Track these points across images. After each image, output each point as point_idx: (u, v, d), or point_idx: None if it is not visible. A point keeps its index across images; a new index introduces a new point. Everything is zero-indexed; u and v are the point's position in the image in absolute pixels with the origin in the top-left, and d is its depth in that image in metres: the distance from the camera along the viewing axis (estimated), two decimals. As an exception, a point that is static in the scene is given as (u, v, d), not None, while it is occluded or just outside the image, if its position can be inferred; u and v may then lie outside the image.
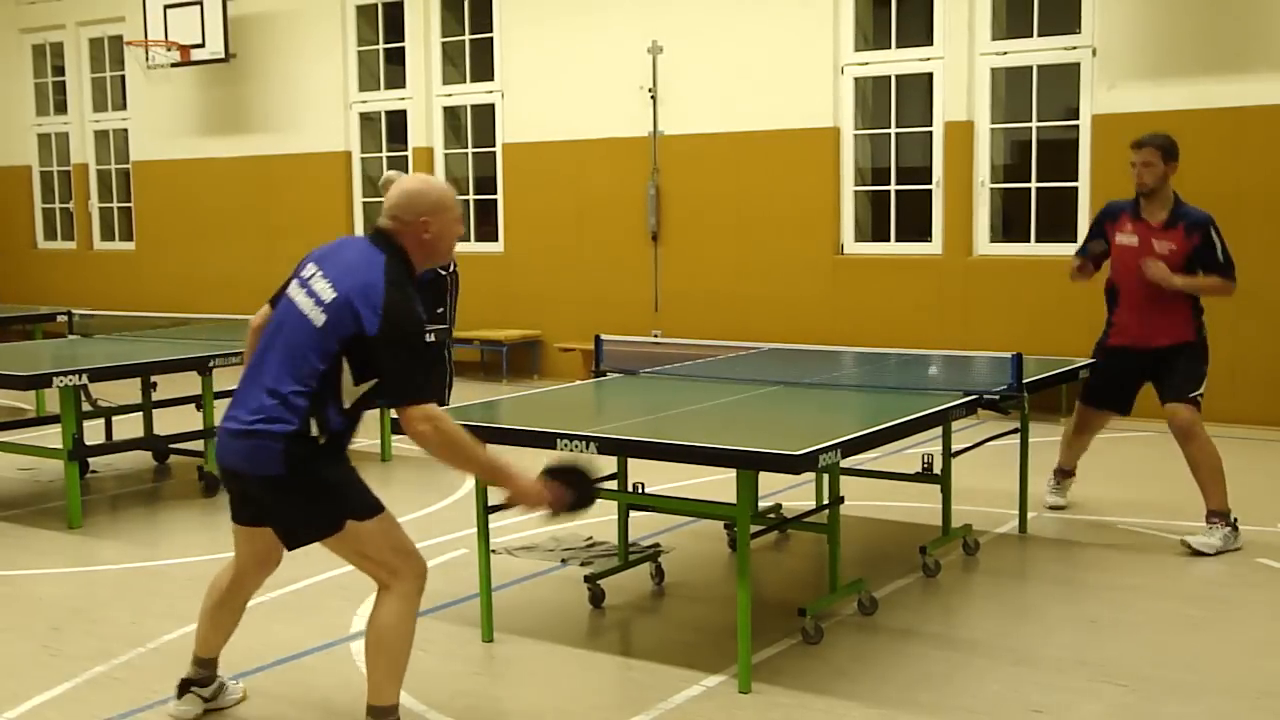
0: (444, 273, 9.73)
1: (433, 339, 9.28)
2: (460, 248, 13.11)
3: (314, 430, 3.65)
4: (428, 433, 3.63)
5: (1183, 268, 6.15)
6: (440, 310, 9.75)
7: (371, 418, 8.88)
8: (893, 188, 10.68)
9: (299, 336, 3.67)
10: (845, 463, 4.67)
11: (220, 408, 4.92)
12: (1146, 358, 6.30)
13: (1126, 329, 6.35)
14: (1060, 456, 6.96)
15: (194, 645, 4.19)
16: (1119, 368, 6.42)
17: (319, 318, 3.65)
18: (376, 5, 13.17)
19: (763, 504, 6.11)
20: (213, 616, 4.11)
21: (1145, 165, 6.20)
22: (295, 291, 3.78)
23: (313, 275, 3.76)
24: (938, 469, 5.99)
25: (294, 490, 3.68)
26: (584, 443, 4.44)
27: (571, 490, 3.89)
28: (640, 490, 5.53)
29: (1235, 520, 6.11)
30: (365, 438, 9.01)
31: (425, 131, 12.94)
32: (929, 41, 10.38)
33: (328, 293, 3.66)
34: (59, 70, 15.89)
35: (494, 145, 12.64)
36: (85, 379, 6.77)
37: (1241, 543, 6.10)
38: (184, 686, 4.16)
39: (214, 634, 4.14)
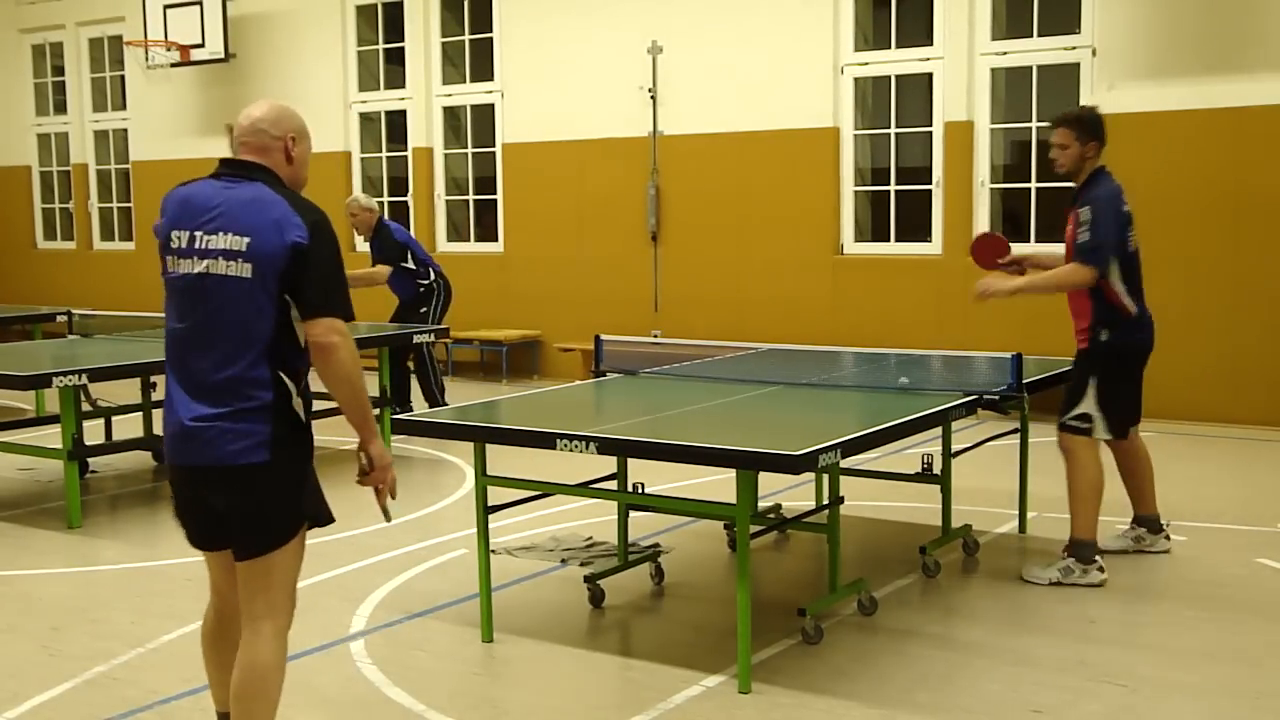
0: (428, 281, 9.72)
1: (430, 338, 9.31)
2: (460, 248, 13.20)
3: (286, 382, 3.37)
4: (338, 343, 3.36)
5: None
6: (424, 311, 9.75)
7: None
8: (892, 188, 10.68)
9: (231, 301, 3.33)
10: (845, 463, 4.67)
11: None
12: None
13: None
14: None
15: (213, 703, 3.77)
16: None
17: (243, 268, 3.32)
18: (376, 5, 13.17)
19: (763, 504, 6.11)
20: (213, 658, 3.70)
21: (1060, 148, 5.67)
22: (187, 264, 3.40)
23: (196, 239, 3.39)
24: (938, 469, 5.99)
25: (271, 482, 3.38)
26: (584, 442, 4.43)
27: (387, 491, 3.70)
28: (640, 490, 5.53)
29: (1098, 557, 5.65)
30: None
31: (425, 132, 12.94)
32: (929, 41, 10.38)
33: (239, 242, 3.33)
34: (59, 70, 15.90)
35: (494, 145, 12.65)
36: (85, 379, 6.77)
37: (1095, 580, 5.57)
38: None
39: (226, 677, 3.61)
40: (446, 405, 9.33)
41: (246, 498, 3.40)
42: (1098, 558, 5.63)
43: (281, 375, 3.38)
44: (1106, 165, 5.73)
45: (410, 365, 9.80)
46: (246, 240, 3.34)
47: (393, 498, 3.66)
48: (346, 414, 3.54)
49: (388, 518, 3.71)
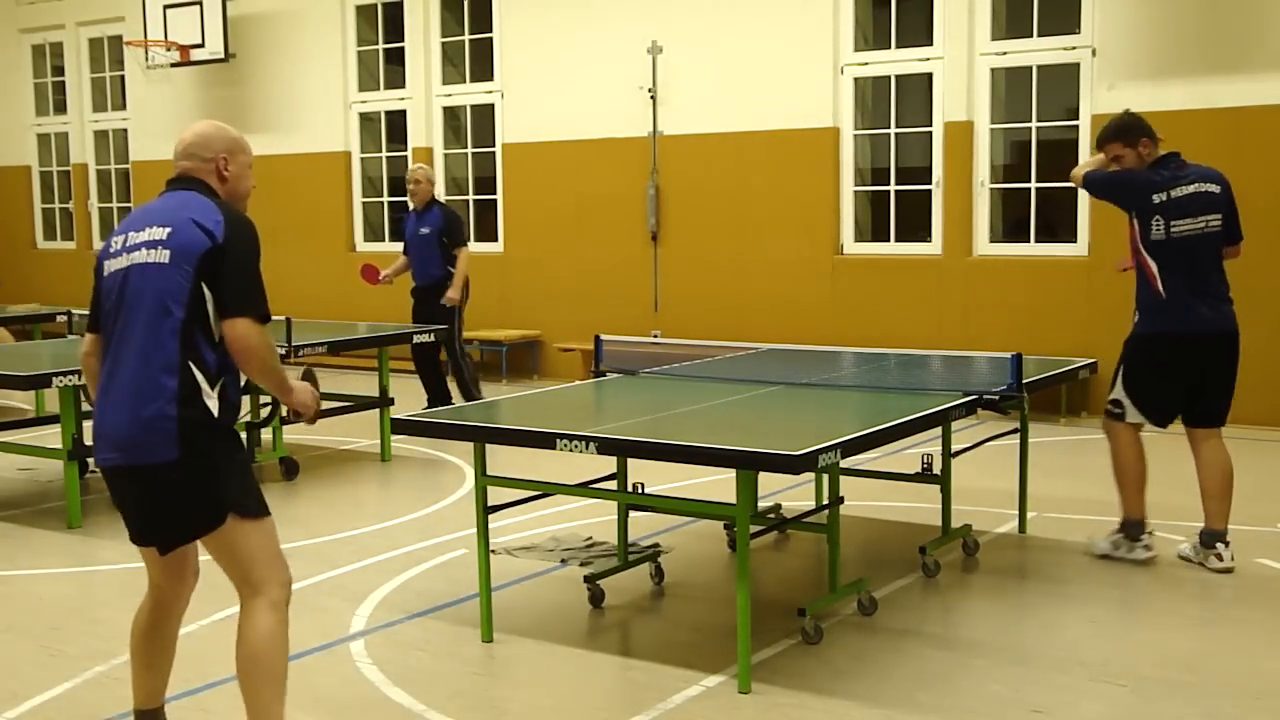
0: (453, 270, 9.72)
1: (430, 339, 9.31)
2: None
3: (197, 377, 3.42)
4: (254, 345, 3.44)
5: (1131, 239, 5.90)
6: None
7: (371, 419, 8.90)
8: (892, 188, 10.68)
9: (146, 286, 3.46)
10: (845, 463, 4.67)
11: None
12: None
13: None
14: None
15: (132, 698, 3.83)
16: None
17: (162, 255, 3.46)
18: (376, 5, 13.17)
19: (763, 504, 6.11)
20: (143, 654, 3.76)
21: (1117, 159, 5.94)
22: (116, 263, 3.56)
23: (126, 240, 3.56)
24: (937, 469, 5.99)
25: (180, 477, 3.43)
26: (584, 443, 4.43)
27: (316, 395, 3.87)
28: (640, 490, 5.53)
29: (1147, 535, 5.89)
30: (365, 438, 9.06)
31: (425, 131, 12.95)
32: (929, 41, 10.38)
33: (160, 232, 3.49)
34: (59, 70, 15.90)
35: (494, 145, 12.65)
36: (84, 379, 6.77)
37: (1140, 556, 5.86)
38: None
39: (150, 676, 3.78)
40: (483, 398, 9.29)
41: (156, 494, 3.50)
42: (1144, 536, 5.88)
43: (191, 366, 3.43)
44: (1180, 153, 5.95)
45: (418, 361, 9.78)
46: (167, 230, 3.51)
47: (312, 417, 3.83)
48: (267, 389, 3.68)
49: (311, 422, 3.88)
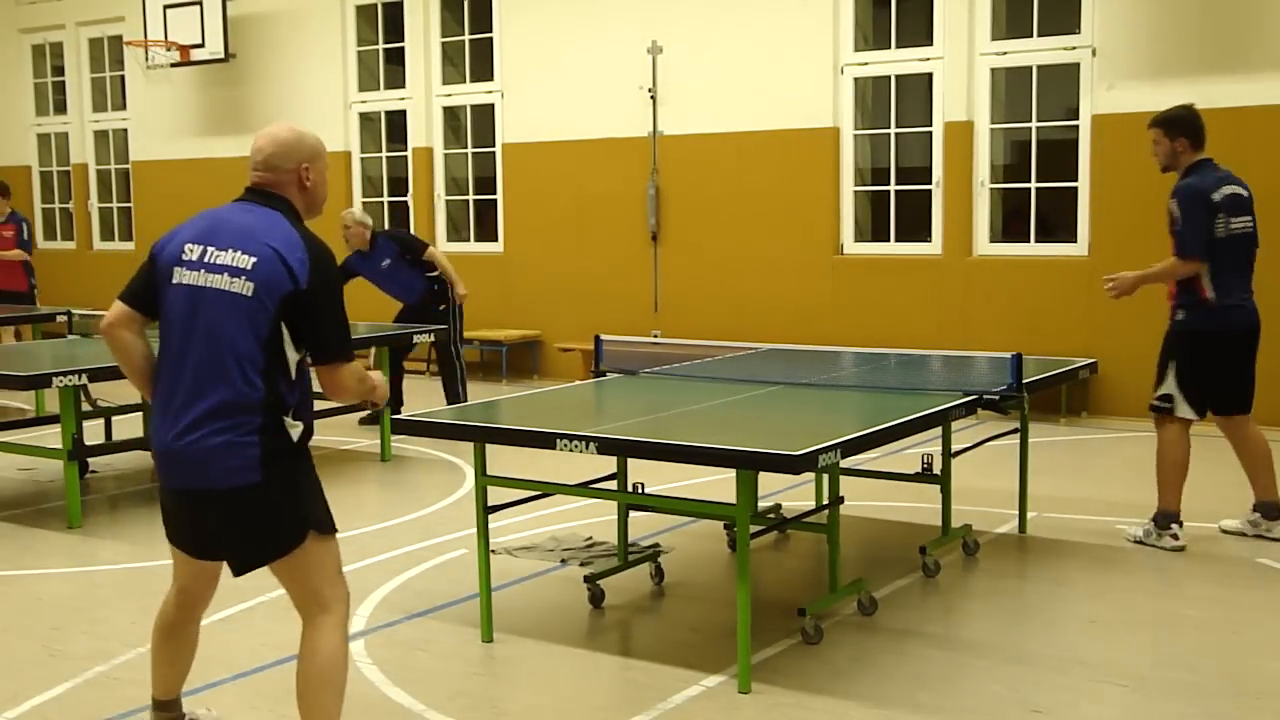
0: (436, 273, 9.69)
1: (433, 338, 9.31)
2: (460, 248, 13.19)
3: (278, 412, 3.40)
4: (350, 387, 3.54)
5: (1171, 237, 6.06)
6: (442, 307, 9.73)
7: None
8: (892, 188, 10.68)
9: (227, 314, 3.38)
10: (845, 463, 4.67)
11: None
12: None
13: None
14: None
15: (151, 688, 3.86)
16: None
17: (246, 286, 3.37)
18: (376, 5, 13.17)
19: (762, 504, 6.11)
20: (166, 650, 3.79)
21: (1155, 144, 6.15)
22: (190, 276, 3.45)
23: (206, 252, 3.45)
24: (937, 469, 5.99)
25: (265, 498, 3.40)
26: (584, 442, 4.43)
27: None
28: (640, 490, 5.53)
29: (1177, 526, 6.09)
30: (365, 438, 9.06)
31: (425, 132, 12.95)
32: (929, 41, 10.38)
33: (244, 260, 3.39)
34: (59, 70, 15.89)
35: (494, 145, 12.65)
36: (84, 379, 6.77)
37: (1167, 545, 6.06)
38: None
39: (171, 670, 3.82)
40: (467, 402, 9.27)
41: (240, 518, 3.45)
42: (1174, 526, 6.08)
43: (271, 400, 3.40)
44: (1212, 158, 6.13)
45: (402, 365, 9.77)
46: (253, 260, 3.40)
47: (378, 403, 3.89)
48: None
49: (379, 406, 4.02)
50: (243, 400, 3.36)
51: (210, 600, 3.87)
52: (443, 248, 12.86)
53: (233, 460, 3.36)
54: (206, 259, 3.45)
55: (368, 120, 13.45)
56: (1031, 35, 10.02)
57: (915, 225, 10.58)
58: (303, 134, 3.63)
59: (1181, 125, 6.09)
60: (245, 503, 3.40)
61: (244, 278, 3.39)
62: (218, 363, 3.38)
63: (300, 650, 3.54)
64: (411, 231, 9.91)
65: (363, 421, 9.40)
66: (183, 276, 3.48)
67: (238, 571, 3.58)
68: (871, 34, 10.77)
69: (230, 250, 3.43)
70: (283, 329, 3.40)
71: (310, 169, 3.60)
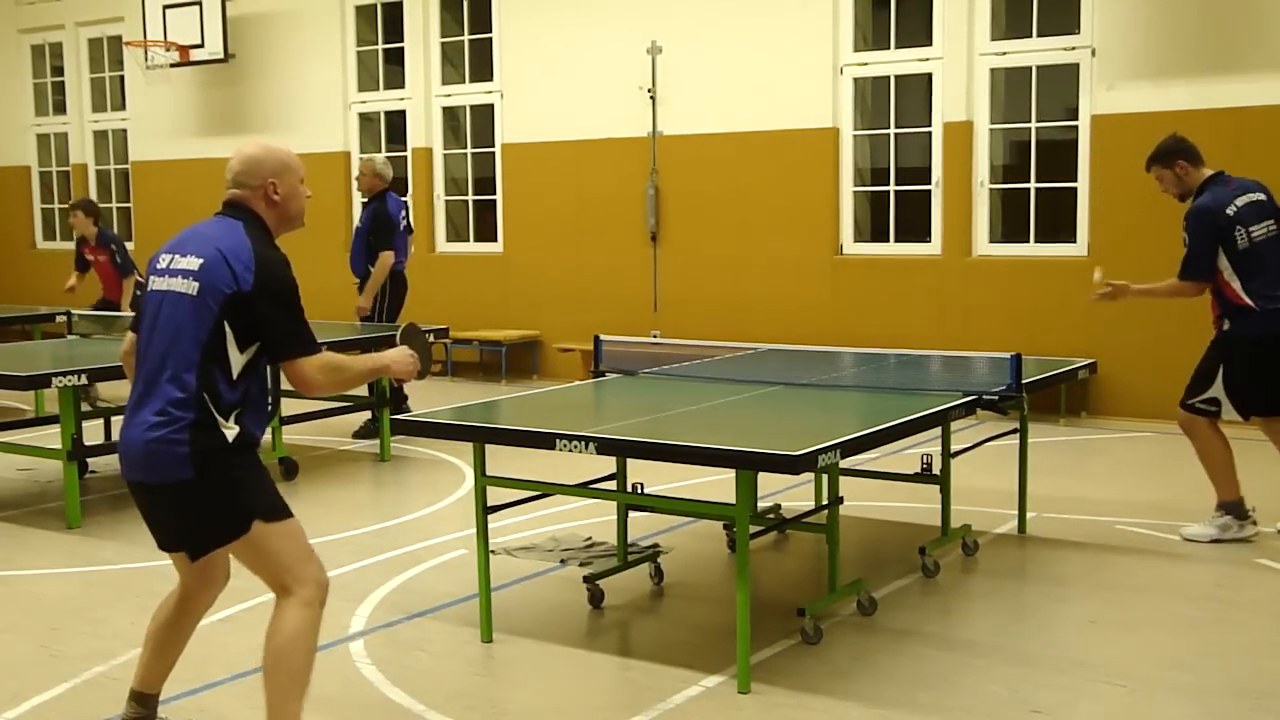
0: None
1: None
2: (460, 248, 13.17)
3: (211, 410, 3.48)
4: (318, 381, 3.60)
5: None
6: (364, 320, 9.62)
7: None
8: (892, 188, 10.68)
9: (175, 315, 3.54)
10: (845, 463, 4.67)
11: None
12: None
13: None
14: None
15: (133, 679, 3.91)
16: None
17: (191, 286, 3.54)
18: (376, 5, 13.17)
19: (762, 504, 6.11)
20: (158, 642, 3.86)
21: (1160, 182, 6.31)
22: (158, 282, 3.65)
23: (171, 261, 3.64)
24: (937, 469, 5.99)
25: (201, 492, 3.50)
26: (583, 443, 4.43)
27: (420, 350, 4.00)
28: (640, 490, 5.53)
29: (1247, 510, 6.22)
30: (364, 438, 9.06)
31: (424, 132, 12.94)
32: (928, 42, 10.38)
33: (194, 262, 3.56)
34: (58, 70, 15.89)
35: (493, 145, 12.65)
36: (85, 379, 6.77)
37: (1249, 533, 6.18)
38: None
39: (158, 663, 3.87)
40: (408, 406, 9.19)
41: (180, 508, 3.58)
42: (1249, 512, 6.19)
43: (206, 399, 3.50)
44: (1225, 171, 6.27)
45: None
46: (200, 261, 3.57)
47: (420, 374, 3.99)
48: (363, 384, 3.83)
49: (422, 377, 4.03)
50: (177, 398, 3.49)
51: (211, 602, 3.92)
52: (442, 248, 12.88)
53: (166, 456, 3.48)
54: (170, 266, 3.64)
55: (367, 120, 13.45)
56: (1031, 35, 10.02)
57: (915, 225, 10.57)
58: (273, 149, 3.78)
59: (1173, 152, 6.21)
60: (181, 496, 3.53)
61: (191, 278, 3.56)
62: (163, 362, 3.54)
63: (267, 629, 3.61)
64: (404, 227, 9.73)
65: (356, 434, 9.25)
66: (154, 283, 3.68)
67: (192, 557, 3.69)
68: (871, 34, 10.77)
69: (188, 256, 3.61)
70: (225, 329, 3.52)
71: (278, 183, 3.73)
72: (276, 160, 3.74)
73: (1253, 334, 6.07)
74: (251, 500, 3.58)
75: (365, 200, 9.66)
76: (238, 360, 3.54)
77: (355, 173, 9.77)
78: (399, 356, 3.89)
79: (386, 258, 9.35)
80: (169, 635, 3.87)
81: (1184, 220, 6.16)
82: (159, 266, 3.67)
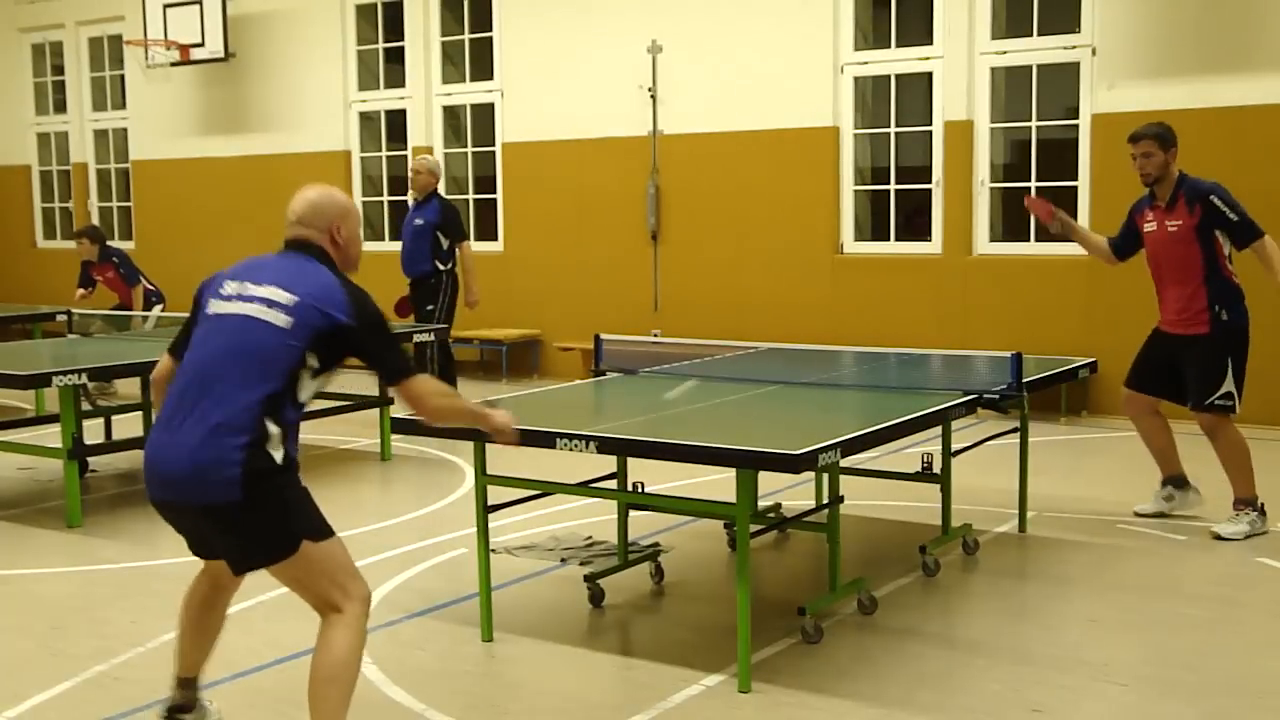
0: (447, 268, 9.71)
1: (430, 337, 9.28)
2: (460, 247, 13.03)
3: (268, 432, 3.48)
4: (434, 404, 3.68)
5: (1197, 240, 6.26)
6: (430, 308, 9.72)
7: (371, 419, 8.90)
8: (892, 187, 10.68)
9: (248, 341, 3.53)
10: (845, 462, 4.67)
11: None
12: (1172, 345, 6.43)
13: (1161, 312, 6.53)
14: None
15: (174, 666, 3.99)
16: (1152, 349, 6.57)
17: (279, 317, 3.53)
18: (376, 5, 13.17)
19: (762, 503, 6.11)
20: (194, 629, 3.93)
21: (1145, 156, 6.38)
22: (225, 306, 3.63)
23: (243, 288, 3.63)
24: (937, 468, 5.99)
25: (250, 513, 3.48)
26: (584, 442, 4.43)
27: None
28: (640, 490, 5.53)
29: (1262, 505, 6.30)
30: (365, 437, 9.06)
31: (425, 131, 12.94)
32: (929, 41, 10.38)
33: (283, 295, 3.56)
34: (58, 69, 15.88)
35: (494, 145, 12.64)
36: (85, 378, 6.77)
37: (1268, 527, 6.25)
38: (170, 715, 3.97)
39: (196, 649, 3.95)
40: None
41: (224, 530, 3.57)
42: (1263, 506, 6.34)
43: (267, 422, 3.50)
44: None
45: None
46: (293, 298, 3.57)
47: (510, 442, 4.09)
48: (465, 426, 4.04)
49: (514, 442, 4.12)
50: (233, 421, 3.47)
51: (239, 586, 3.95)
52: (442, 247, 12.87)
53: (216, 477, 3.45)
54: (244, 293, 3.63)
55: (367, 119, 13.45)
56: (1031, 34, 10.02)
57: (915, 225, 10.57)
58: (333, 193, 3.84)
59: (1172, 139, 6.37)
60: (229, 517, 3.50)
61: (280, 311, 3.55)
62: (220, 383, 3.51)
63: (317, 642, 3.61)
64: (466, 220, 9.91)
65: None
66: (216, 308, 3.67)
67: (236, 572, 3.70)
68: (871, 33, 10.76)
69: (269, 285, 3.61)
70: (307, 361, 3.55)
71: (342, 227, 3.78)
72: (339, 206, 3.80)
73: (1245, 317, 6.30)
74: (300, 521, 3.58)
75: (418, 199, 9.74)
76: (309, 387, 3.60)
77: (410, 172, 9.84)
78: (506, 419, 3.94)
79: (469, 247, 9.84)
80: (205, 619, 3.93)
81: (1210, 198, 6.22)
82: (225, 292, 3.66)
